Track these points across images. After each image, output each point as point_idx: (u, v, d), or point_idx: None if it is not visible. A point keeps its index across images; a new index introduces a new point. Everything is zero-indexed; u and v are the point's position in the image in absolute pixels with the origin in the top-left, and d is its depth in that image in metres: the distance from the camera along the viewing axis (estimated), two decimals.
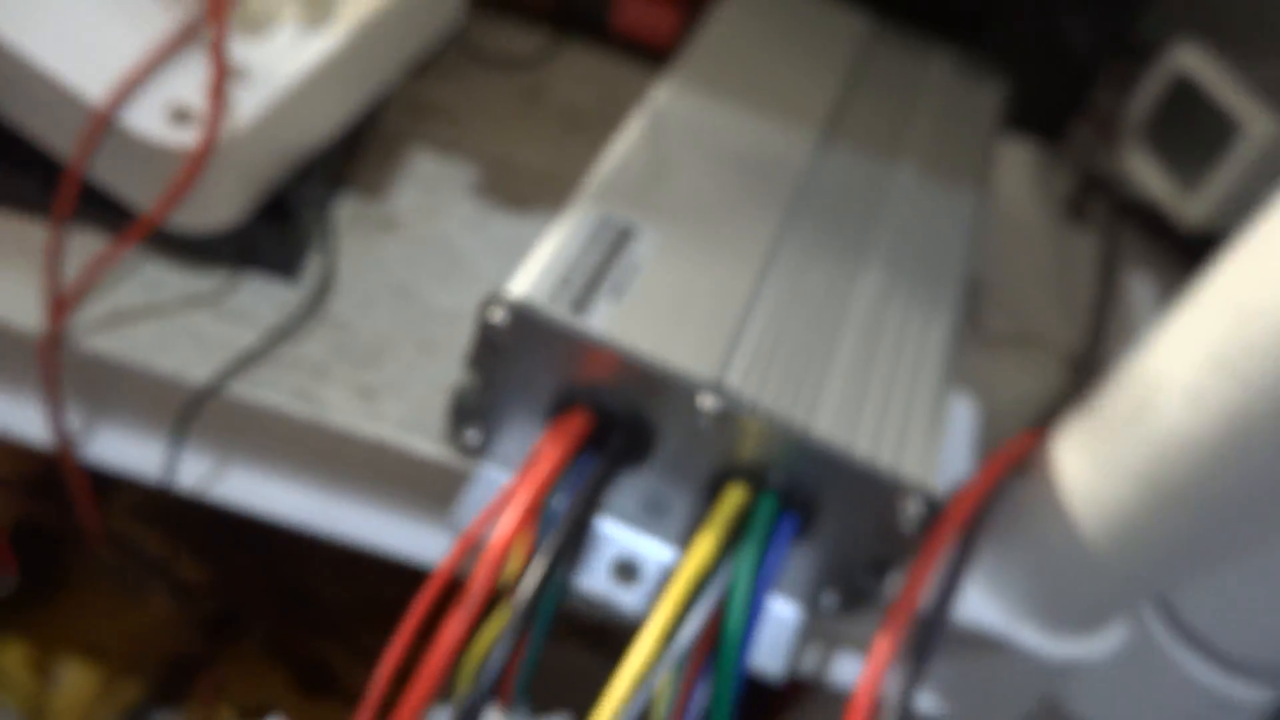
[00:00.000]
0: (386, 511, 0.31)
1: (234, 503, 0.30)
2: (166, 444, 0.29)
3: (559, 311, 0.23)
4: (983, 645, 0.29)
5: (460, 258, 0.33)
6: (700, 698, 0.24)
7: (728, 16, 0.36)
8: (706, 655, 0.24)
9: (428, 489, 0.29)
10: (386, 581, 0.74)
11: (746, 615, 0.23)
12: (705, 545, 0.23)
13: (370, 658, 0.23)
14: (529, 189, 0.36)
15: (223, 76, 0.24)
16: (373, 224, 0.33)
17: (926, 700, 0.32)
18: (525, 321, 0.23)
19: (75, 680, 0.63)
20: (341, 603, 0.73)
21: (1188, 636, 0.29)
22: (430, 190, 0.35)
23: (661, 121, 0.30)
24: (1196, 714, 0.31)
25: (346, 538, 0.31)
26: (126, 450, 0.30)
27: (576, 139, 0.39)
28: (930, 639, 0.26)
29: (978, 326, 0.37)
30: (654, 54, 0.43)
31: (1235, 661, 0.29)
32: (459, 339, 0.30)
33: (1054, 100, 0.45)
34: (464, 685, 0.23)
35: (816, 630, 0.31)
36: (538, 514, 0.24)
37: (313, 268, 0.30)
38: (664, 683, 0.23)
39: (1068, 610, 0.28)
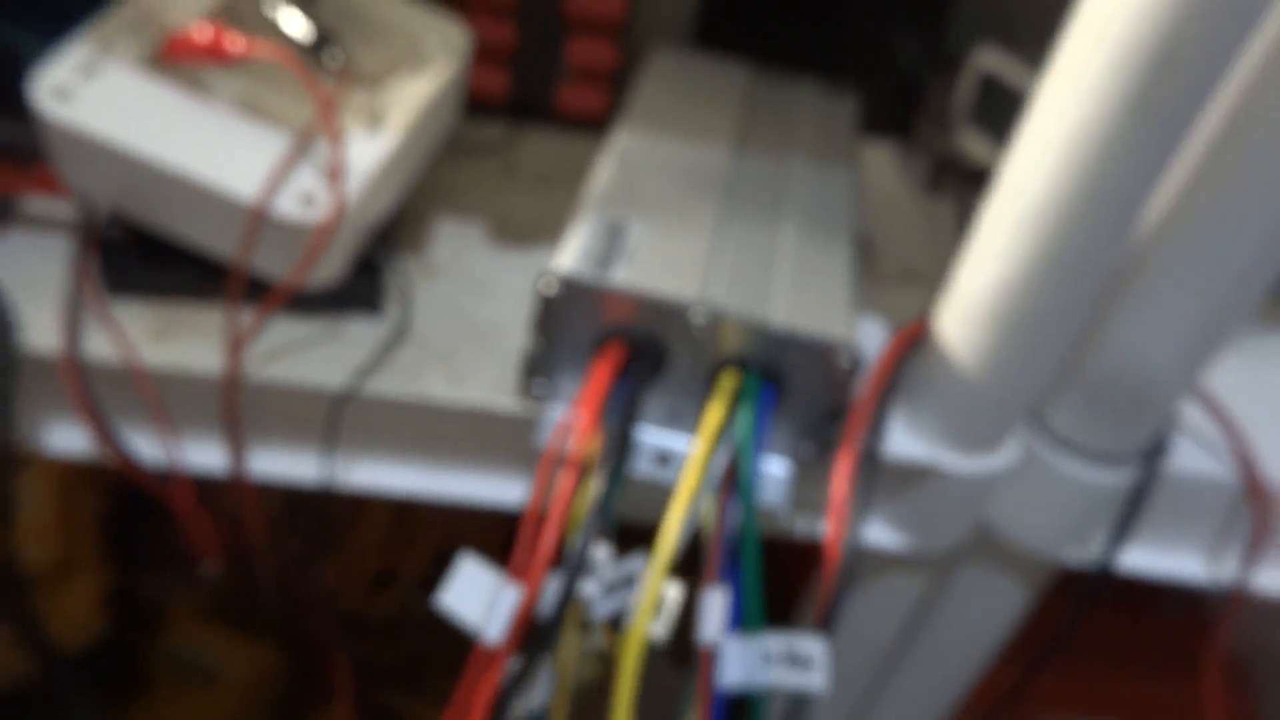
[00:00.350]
0: (479, 471, 0.41)
1: (367, 487, 0.41)
2: (318, 450, 0.40)
3: (591, 275, 0.35)
4: (917, 475, 0.41)
5: (488, 285, 0.44)
6: (731, 521, 0.35)
7: (651, 82, 0.48)
8: (731, 490, 0.35)
9: (509, 444, 0.40)
10: (434, 638, 0.83)
11: (753, 455, 0.35)
12: (716, 412, 0.35)
13: (435, 698, 0.33)
14: (524, 232, 0.48)
15: (339, 171, 0.36)
16: (422, 271, 0.44)
17: (885, 535, 0.43)
18: (571, 286, 0.35)
19: None
20: (401, 659, 0.82)
21: (1058, 443, 0.41)
22: (454, 244, 0.46)
23: (625, 156, 0.42)
24: (1077, 503, 0.42)
25: (452, 497, 0.42)
26: (284, 463, 0.40)
27: (551, 193, 0.51)
28: (874, 464, 0.38)
29: (872, 271, 0.49)
30: (591, 125, 0.56)
31: (1095, 454, 0.41)
32: (503, 336, 0.41)
33: (898, 106, 0.58)
34: (574, 534, 0.33)
35: (806, 500, 0.42)
36: (601, 417, 0.35)
37: (390, 305, 0.42)
38: (707, 507, 0.34)
39: (971, 434, 0.40)
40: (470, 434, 0.40)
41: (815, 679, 0.32)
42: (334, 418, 0.39)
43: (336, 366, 0.39)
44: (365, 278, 0.41)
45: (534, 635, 0.31)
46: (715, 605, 0.32)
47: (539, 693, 0.32)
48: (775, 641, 0.32)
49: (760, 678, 0.32)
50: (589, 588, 0.33)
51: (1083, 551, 0.44)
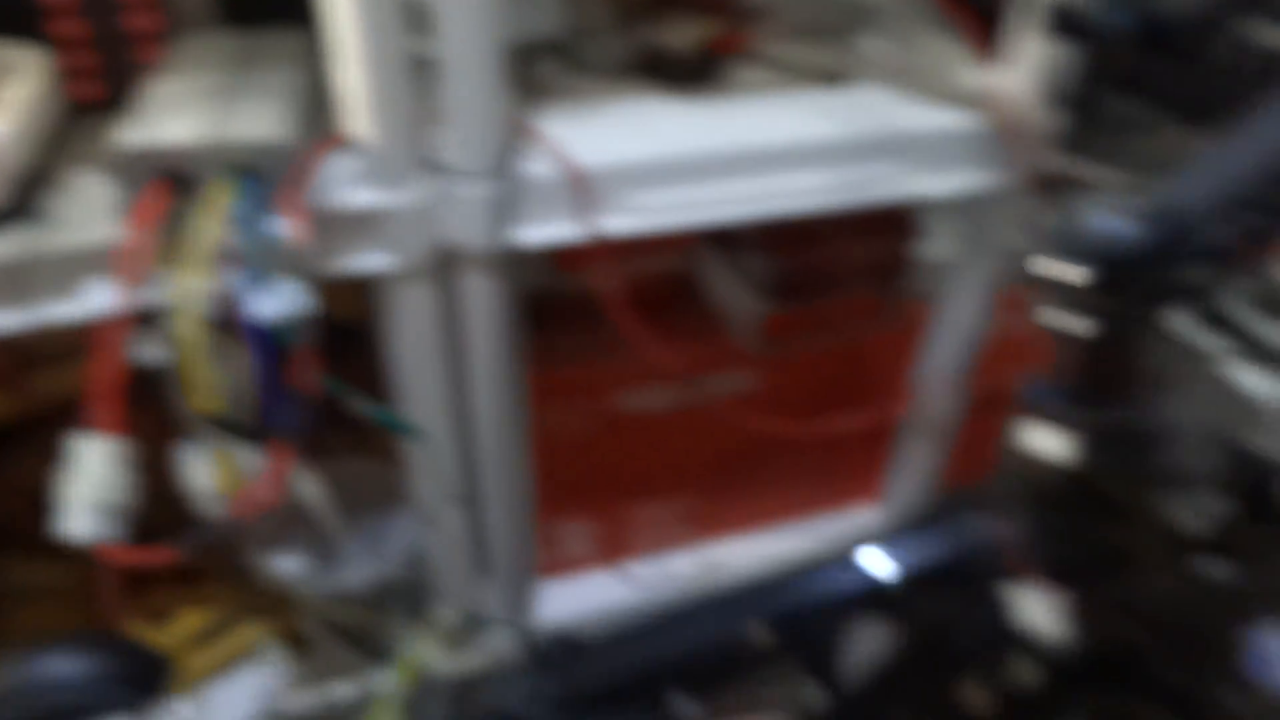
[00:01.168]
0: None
1: (61, 318, 0.70)
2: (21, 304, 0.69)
3: (140, 143, 0.65)
4: (369, 217, 0.72)
5: (107, 196, 0.74)
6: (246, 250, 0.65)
7: (181, 48, 0.79)
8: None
9: None
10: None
11: (249, 212, 0.65)
12: (216, 193, 0.65)
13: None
14: None
15: None
16: (65, 195, 0.73)
17: (379, 259, 0.74)
18: (138, 154, 0.64)
19: None
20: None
21: (447, 172, 0.73)
22: (84, 180, 0.75)
23: (153, 89, 0.72)
24: (475, 208, 0.75)
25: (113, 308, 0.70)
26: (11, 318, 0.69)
27: None
28: (322, 211, 0.69)
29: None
30: None
31: (468, 173, 0.73)
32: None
33: None
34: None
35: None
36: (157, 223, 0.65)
37: (47, 209, 0.71)
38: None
39: (385, 180, 0.71)
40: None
41: (294, 299, 0.63)
42: (22, 275, 0.68)
43: (25, 244, 0.67)
44: (26, 200, 0.70)
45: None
46: (238, 279, 0.63)
47: (158, 350, 0.62)
48: (270, 287, 0.63)
49: (273, 309, 0.63)
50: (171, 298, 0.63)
51: (505, 237, 0.77)
